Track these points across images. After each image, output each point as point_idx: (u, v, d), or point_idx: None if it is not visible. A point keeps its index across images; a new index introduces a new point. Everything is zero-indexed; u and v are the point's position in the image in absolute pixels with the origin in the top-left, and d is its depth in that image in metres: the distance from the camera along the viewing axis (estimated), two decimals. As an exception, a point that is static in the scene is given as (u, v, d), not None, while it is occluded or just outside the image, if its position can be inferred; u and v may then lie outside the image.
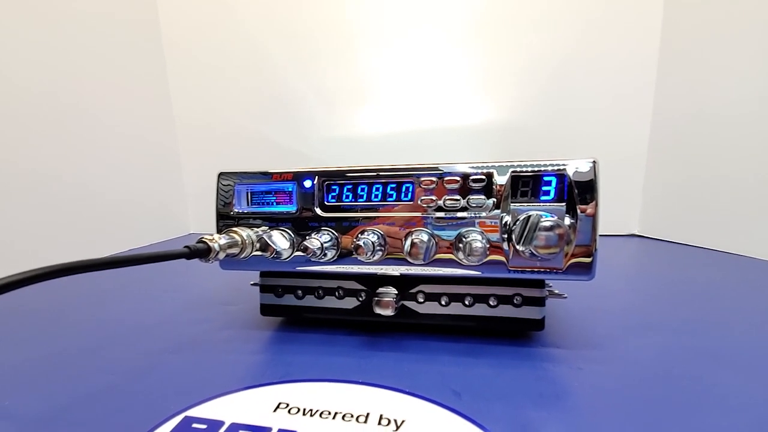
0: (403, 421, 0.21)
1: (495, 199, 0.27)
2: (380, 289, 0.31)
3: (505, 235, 0.27)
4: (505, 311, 0.30)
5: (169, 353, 0.31)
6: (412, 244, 0.27)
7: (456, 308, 0.31)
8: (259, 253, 0.30)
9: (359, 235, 0.29)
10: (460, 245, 0.27)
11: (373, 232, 0.29)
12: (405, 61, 0.84)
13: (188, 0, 0.87)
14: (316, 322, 0.36)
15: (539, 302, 0.30)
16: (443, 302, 0.31)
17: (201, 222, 0.96)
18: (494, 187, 0.27)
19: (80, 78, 0.67)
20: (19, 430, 0.22)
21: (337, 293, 0.33)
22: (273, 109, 0.90)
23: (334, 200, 0.30)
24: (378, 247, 0.28)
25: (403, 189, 0.29)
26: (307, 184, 0.31)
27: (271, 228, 0.31)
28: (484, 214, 0.27)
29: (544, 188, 0.27)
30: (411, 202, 0.29)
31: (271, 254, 0.29)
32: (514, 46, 0.81)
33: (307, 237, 0.30)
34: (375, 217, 0.29)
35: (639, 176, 0.83)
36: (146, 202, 0.82)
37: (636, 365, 0.28)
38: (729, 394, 0.24)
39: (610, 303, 0.41)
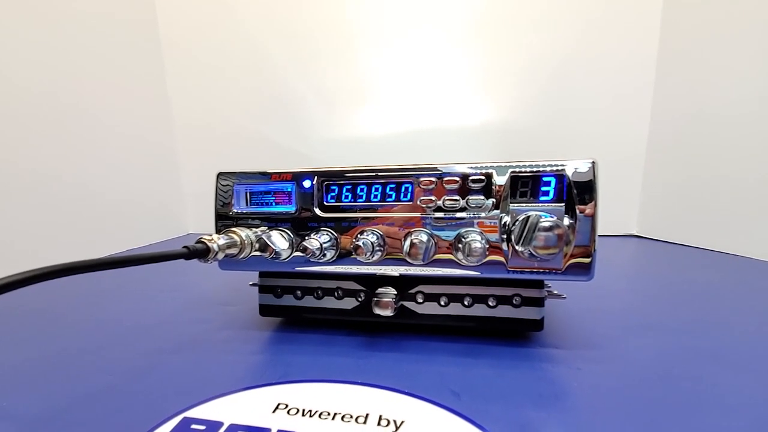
0: (402, 422, 0.21)
1: (494, 200, 0.27)
2: (379, 290, 0.31)
3: (505, 236, 0.27)
4: (505, 312, 0.30)
5: (168, 353, 0.31)
6: (412, 244, 0.27)
7: (455, 309, 0.31)
8: (258, 253, 0.30)
9: (358, 236, 0.29)
10: (460, 245, 0.27)
11: (373, 233, 0.29)
12: (405, 61, 0.84)
13: (188, 0, 0.87)
14: (316, 323, 0.36)
15: (538, 303, 0.30)
16: (442, 303, 0.31)
17: (200, 222, 0.96)
18: (493, 187, 0.27)
19: (80, 78, 0.67)
20: (18, 430, 0.22)
21: (336, 293, 0.33)
22: (272, 109, 0.90)
23: (333, 200, 0.30)
24: (377, 248, 0.28)
25: (403, 189, 0.29)
26: (306, 184, 0.31)
27: (270, 228, 0.31)
28: (483, 214, 0.27)
29: (544, 189, 0.27)
30: (410, 203, 0.29)
31: (270, 255, 0.29)
32: (514, 46, 0.81)
33: (307, 237, 0.30)
34: (374, 218, 0.29)
35: (638, 176, 0.83)
36: (145, 202, 0.82)
37: (635, 365, 0.28)
38: (729, 394, 0.24)
39: (609, 303, 0.41)
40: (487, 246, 0.27)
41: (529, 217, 0.26)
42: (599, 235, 0.26)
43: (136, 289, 0.49)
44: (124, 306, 0.44)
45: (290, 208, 0.31)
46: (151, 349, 0.32)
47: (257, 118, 0.90)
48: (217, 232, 0.31)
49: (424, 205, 0.28)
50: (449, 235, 0.28)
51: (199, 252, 0.26)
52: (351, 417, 0.22)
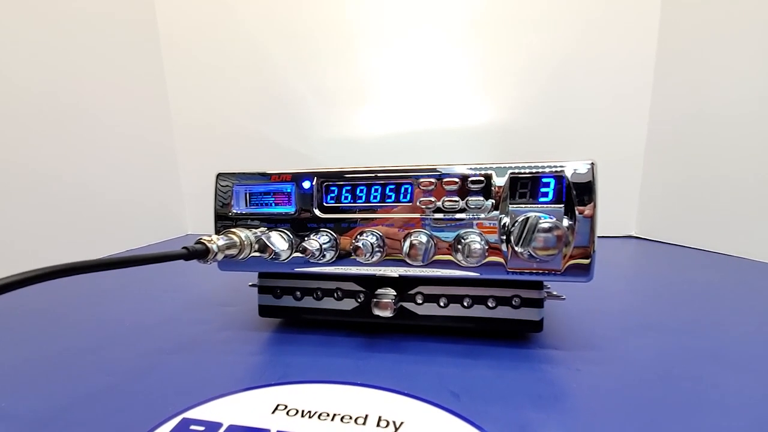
0: (401, 423, 0.21)
1: (494, 201, 0.27)
2: (379, 291, 0.31)
3: (504, 237, 0.27)
4: (504, 313, 0.30)
5: (168, 354, 0.31)
6: (411, 245, 0.27)
7: (455, 309, 0.31)
8: (257, 254, 0.30)
9: (358, 237, 0.29)
10: (459, 246, 0.27)
11: (372, 234, 0.29)
12: (405, 61, 0.84)
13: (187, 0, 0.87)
14: (315, 324, 0.36)
15: (538, 304, 0.30)
16: (442, 303, 0.31)
17: (199, 223, 0.96)
18: (493, 188, 0.27)
19: (79, 78, 0.67)
20: (18, 430, 0.22)
21: (335, 294, 0.33)
22: (272, 109, 0.90)
23: (332, 201, 0.31)
24: (377, 249, 0.28)
25: (402, 190, 0.29)
26: (306, 185, 0.31)
27: (270, 229, 0.31)
28: (482, 215, 0.28)
29: (543, 190, 0.27)
30: (410, 204, 0.29)
31: (270, 255, 0.29)
32: (514, 46, 0.81)
33: (306, 238, 0.29)
34: (374, 219, 0.30)
35: (637, 177, 0.83)
36: (144, 202, 0.82)
37: (635, 366, 0.28)
38: (729, 394, 0.24)
39: (608, 304, 0.41)
40: (487, 247, 0.27)
41: (528, 218, 0.26)
42: (598, 236, 0.26)
43: (136, 289, 0.49)
44: (124, 306, 0.44)
45: (290, 209, 0.31)
46: (151, 349, 0.32)
47: (257, 118, 0.90)
48: (217, 232, 0.31)
49: (423, 206, 0.28)
50: (449, 236, 0.28)
51: (198, 253, 0.26)
52: (350, 418, 0.22)
